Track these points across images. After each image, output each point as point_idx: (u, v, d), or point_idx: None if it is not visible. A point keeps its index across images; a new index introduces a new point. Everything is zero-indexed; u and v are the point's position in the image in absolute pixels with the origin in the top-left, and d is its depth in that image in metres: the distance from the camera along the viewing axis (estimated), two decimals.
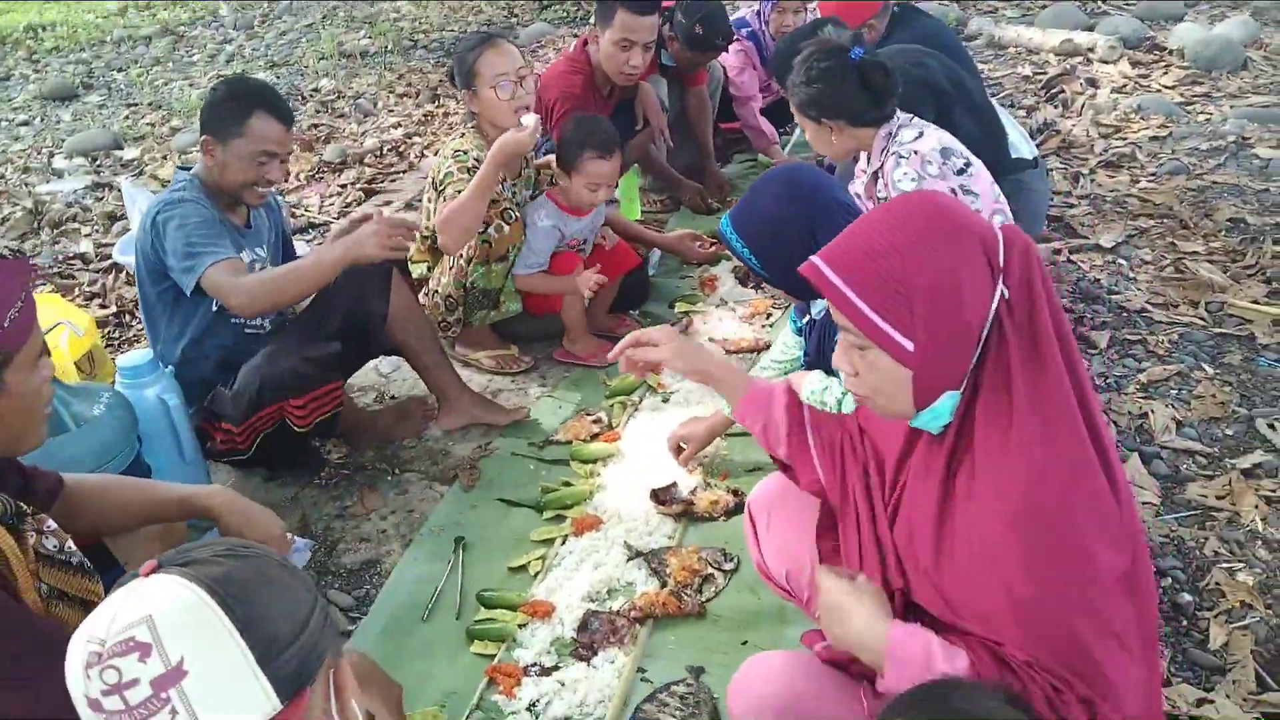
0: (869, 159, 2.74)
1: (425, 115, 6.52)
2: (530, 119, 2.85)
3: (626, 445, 2.84)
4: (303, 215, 4.80)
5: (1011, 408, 1.25)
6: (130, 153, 6.55)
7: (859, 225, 1.35)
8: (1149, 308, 3.33)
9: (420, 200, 3.56)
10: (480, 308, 3.18)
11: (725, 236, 2.25)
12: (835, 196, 2.13)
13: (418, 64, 8.20)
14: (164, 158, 6.21)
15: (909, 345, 1.25)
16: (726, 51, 4.34)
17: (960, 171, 2.59)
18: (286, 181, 2.65)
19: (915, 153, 2.57)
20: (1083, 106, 5.16)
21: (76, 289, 4.08)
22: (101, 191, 5.60)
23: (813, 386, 2.12)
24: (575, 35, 8.32)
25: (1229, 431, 2.74)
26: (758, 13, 4.77)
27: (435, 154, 5.14)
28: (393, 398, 3.23)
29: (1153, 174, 4.33)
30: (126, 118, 7.72)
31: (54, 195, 5.56)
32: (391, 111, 6.87)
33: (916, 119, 2.73)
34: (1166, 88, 5.34)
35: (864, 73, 2.57)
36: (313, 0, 11.48)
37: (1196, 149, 4.53)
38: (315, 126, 6.68)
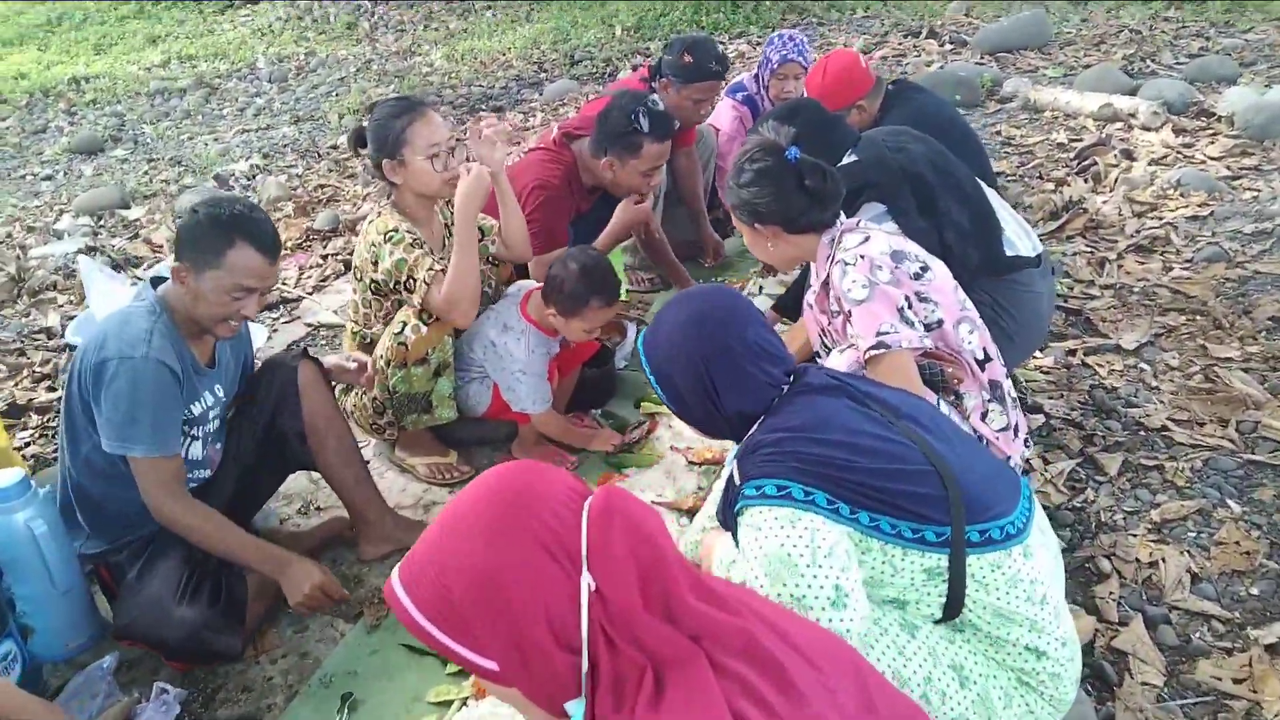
0: (815, 269, 2.42)
1: None
2: (475, 166, 2.69)
3: None
4: (277, 289, 4.60)
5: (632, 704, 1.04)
6: (135, 212, 6.46)
7: (437, 522, 1.16)
8: (1170, 425, 2.92)
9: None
10: (409, 411, 2.90)
11: (639, 354, 1.95)
12: (743, 334, 1.81)
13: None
14: (163, 221, 6.10)
15: (492, 665, 1.09)
16: (723, 80, 4.01)
17: (916, 276, 2.26)
18: (259, 313, 2.36)
19: (862, 257, 2.24)
20: (1116, 180, 4.76)
21: (26, 369, 3.90)
22: (94, 255, 5.48)
23: (723, 557, 1.79)
24: (598, 93, 8.14)
25: (1254, 591, 2.33)
26: (756, 77, 4.49)
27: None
28: (319, 509, 2.95)
29: (1188, 260, 3.92)
30: (145, 173, 7.69)
31: (44, 259, 5.45)
32: None
33: (864, 222, 2.42)
34: (1212, 159, 4.92)
35: (803, 174, 2.27)
36: (348, 53, 11.53)
37: (1239, 232, 4.10)
38: (321, 188, 6.53)
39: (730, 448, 2.07)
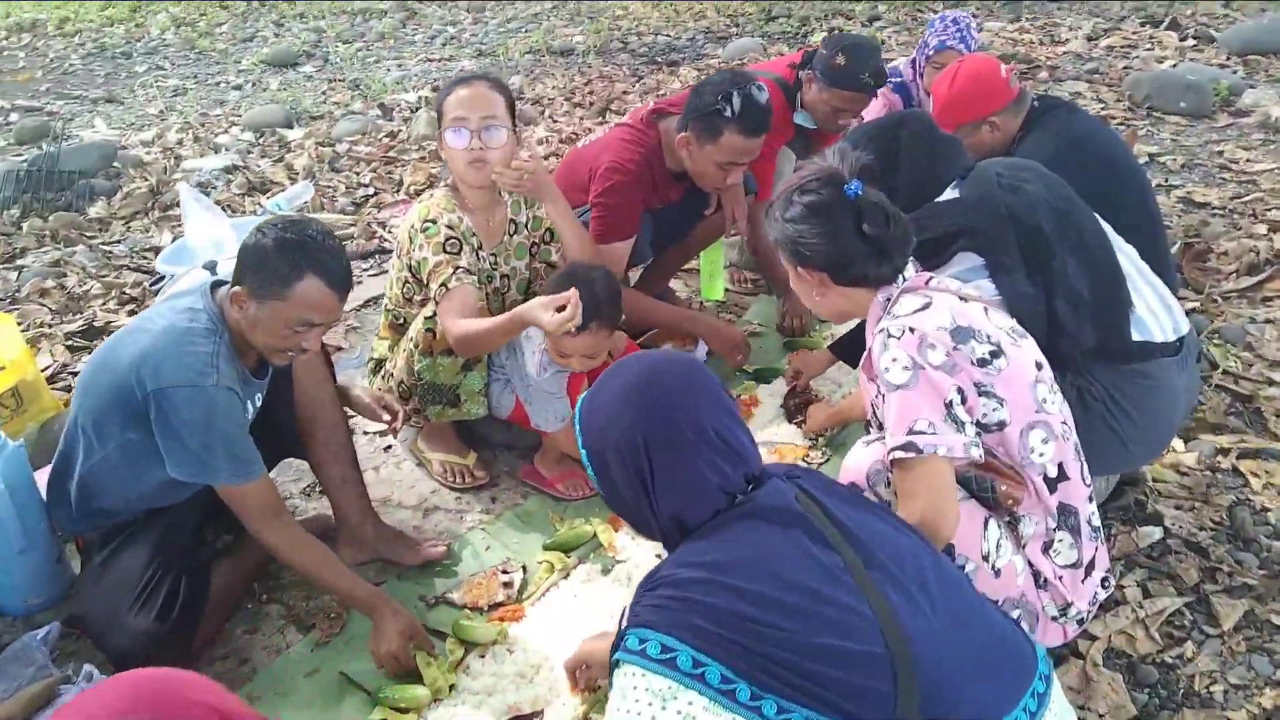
0: (868, 329, 1.98)
1: (573, 134, 6.04)
2: (570, 307, 2.22)
3: (522, 632, 2.23)
4: (383, 238, 4.48)
5: None
6: (295, 133, 6.54)
7: None
8: None
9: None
10: (434, 402, 2.66)
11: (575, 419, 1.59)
12: (697, 416, 1.42)
13: (611, 70, 7.77)
14: (318, 144, 6.12)
15: None
16: (875, 95, 3.53)
17: (982, 362, 1.79)
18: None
19: (911, 330, 1.80)
20: None
21: (116, 290, 3.94)
22: (236, 174, 5.56)
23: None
24: (791, 50, 7.62)
25: None
26: (912, 62, 3.94)
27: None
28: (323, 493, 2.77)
29: None
30: (322, 93, 7.81)
31: (190, 174, 5.57)
32: (555, 121, 6.46)
33: (944, 278, 1.95)
34: None
35: (862, 214, 1.83)
36: None
37: None
38: None
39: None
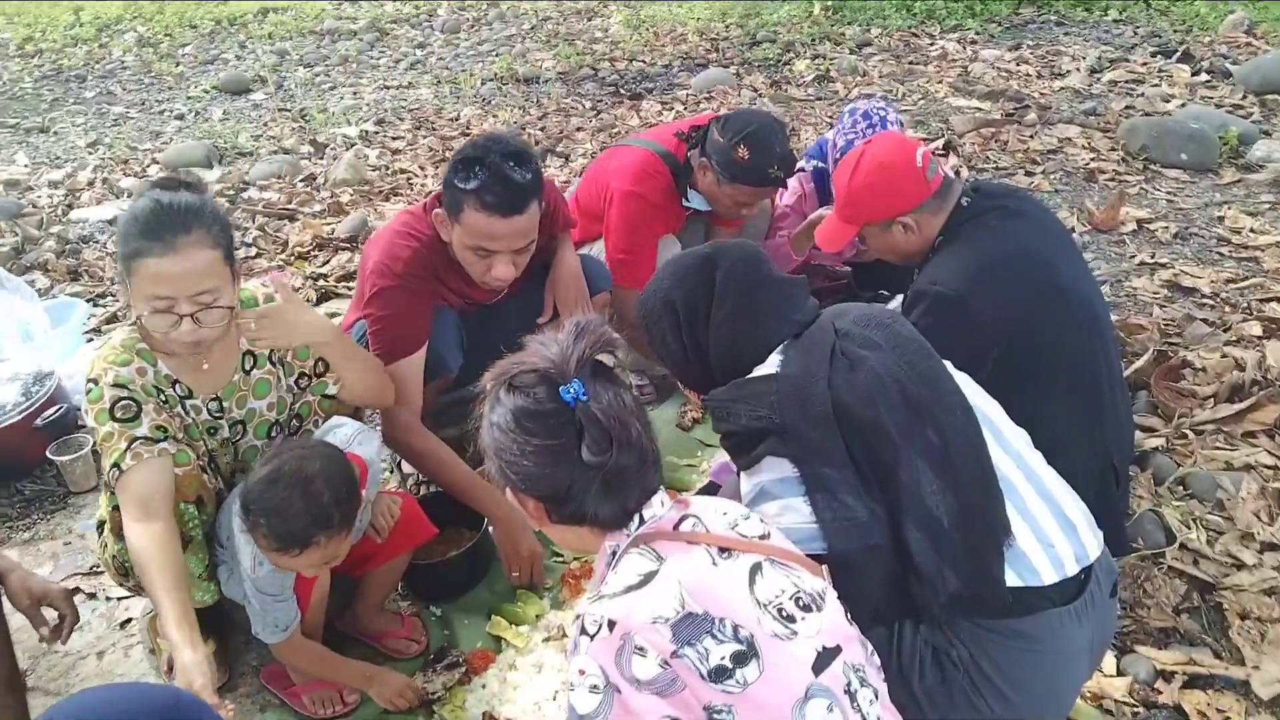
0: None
1: None
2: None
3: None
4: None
5: None
6: (211, 174, 6.03)
7: None
8: None
9: None
10: None
11: None
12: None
13: (572, 102, 7.20)
14: (221, 191, 5.59)
15: None
16: (785, 186, 2.94)
17: (719, 674, 1.19)
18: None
19: (611, 625, 1.20)
20: None
21: None
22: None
23: None
24: (766, 86, 7.02)
25: None
26: (833, 143, 3.32)
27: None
28: None
29: None
30: (265, 124, 7.31)
31: (76, 224, 5.06)
32: None
33: (696, 521, 1.37)
34: None
35: (583, 430, 1.26)
36: (532, 7, 10.83)
37: None
38: (401, 172, 5.84)
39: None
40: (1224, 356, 3.10)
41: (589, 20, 10.10)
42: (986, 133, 5.48)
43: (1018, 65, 7.07)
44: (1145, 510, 2.50)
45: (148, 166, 6.33)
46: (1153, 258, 4.01)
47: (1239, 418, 2.85)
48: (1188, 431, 2.81)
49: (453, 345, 2.55)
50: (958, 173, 5.00)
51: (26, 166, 6.48)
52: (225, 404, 2.11)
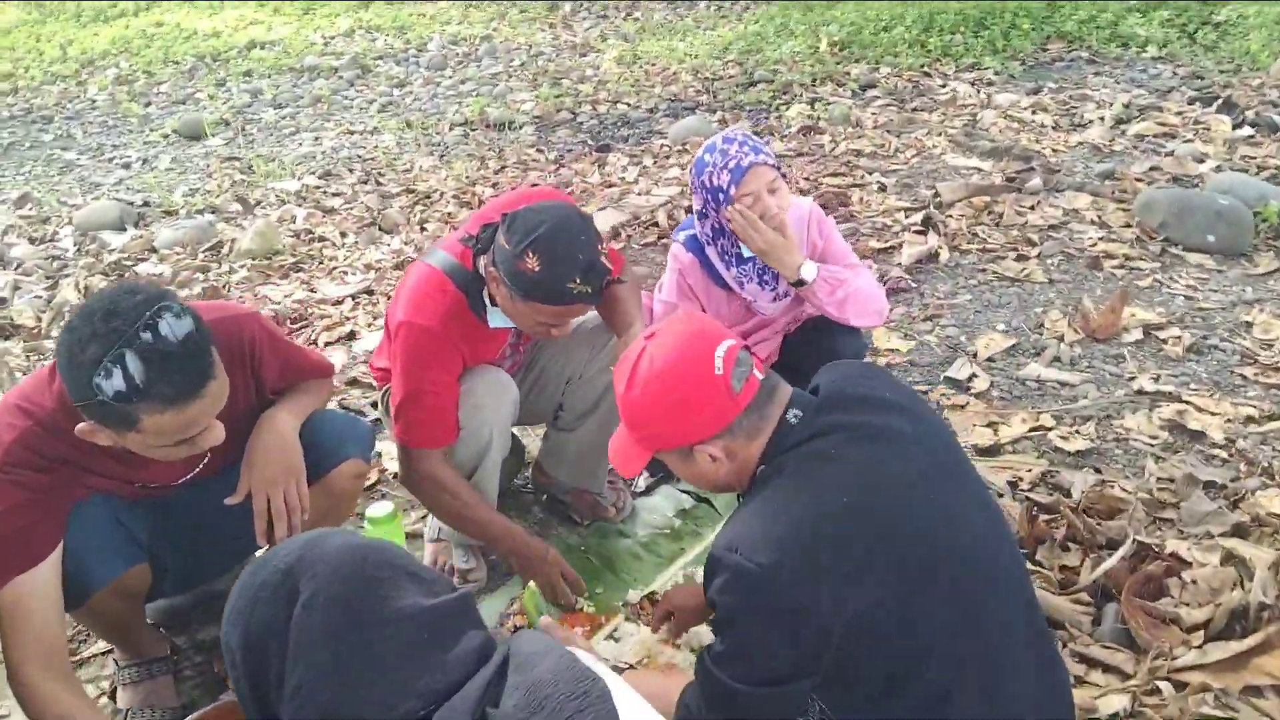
0: None
1: (416, 248, 4.82)
2: None
3: None
4: None
5: None
6: (120, 239, 5.48)
7: None
8: None
9: None
10: None
11: None
12: None
13: (535, 152, 6.55)
14: (109, 265, 5.03)
15: None
16: (598, 300, 2.18)
17: None
18: None
19: None
20: None
21: None
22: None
23: None
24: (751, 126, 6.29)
25: None
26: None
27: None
28: None
29: None
30: (207, 176, 6.78)
31: None
32: (420, 230, 5.25)
33: None
34: None
35: None
36: (527, 40, 10.25)
37: None
38: (313, 241, 5.23)
39: None
40: (1225, 560, 2.30)
41: (582, 56, 9.47)
42: (979, 202, 4.70)
43: (1033, 114, 6.26)
44: None
45: (62, 226, 5.80)
46: (1156, 382, 3.21)
47: (1238, 663, 2.06)
48: (1163, 683, 2.03)
49: (108, 548, 1.89)
50: (935, 255, 4.24)
51: None
52: None
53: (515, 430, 2.75)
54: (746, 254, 2.51)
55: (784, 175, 2.47)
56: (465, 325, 2.22)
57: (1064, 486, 2.71)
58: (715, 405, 1.51)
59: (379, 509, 2.34)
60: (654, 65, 8.71)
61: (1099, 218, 4.52)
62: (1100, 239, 4.31)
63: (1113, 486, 2.64)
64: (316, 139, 7.58)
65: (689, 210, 4.97)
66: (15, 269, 5.08)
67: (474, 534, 2.40)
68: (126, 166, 7.28)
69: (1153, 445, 2.90)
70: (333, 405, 3.14)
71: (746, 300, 2.62)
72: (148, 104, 9.02)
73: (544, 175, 6.04)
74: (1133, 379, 3.25)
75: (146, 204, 6.22)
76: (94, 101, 9.23)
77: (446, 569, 2.56)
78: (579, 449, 2.65)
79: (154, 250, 5.22)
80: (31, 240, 5.60)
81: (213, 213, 5.89)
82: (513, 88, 8.48)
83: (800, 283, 2.46)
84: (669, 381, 1.52)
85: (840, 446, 1.49)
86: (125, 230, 5.65)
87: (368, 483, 2.85)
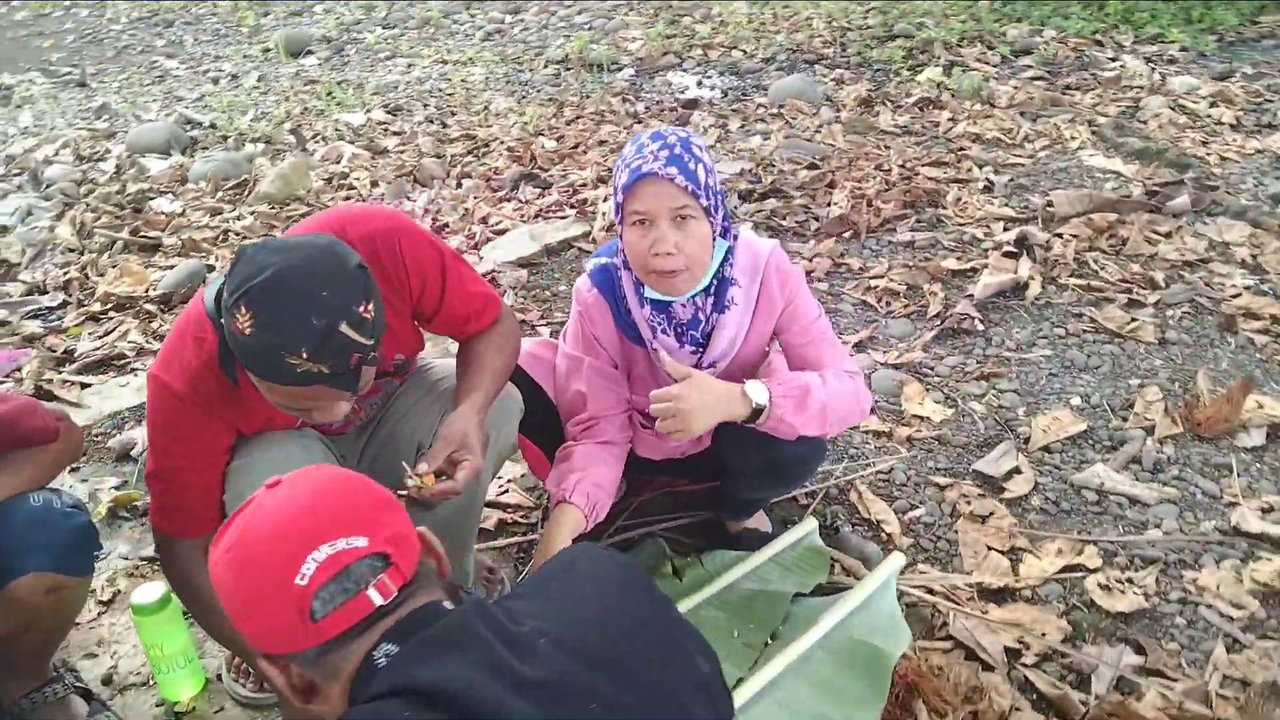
0: None
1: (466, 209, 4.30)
2: None
3: None
4: None
5: None
6: (160, 165, 5.20)
7: None
8: None
9: None
10: None
11: None
12: None
13: (613, 105, 5.89)
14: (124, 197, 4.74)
15: None
16: (355, 386, 1.55)
17: None
18: None
19: None
20: None
21: None
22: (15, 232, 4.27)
23: None
24: (854, 104, 5.49)
25: None
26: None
27: None
28: None
29: None
30: (283, 99, 6.47)
31: None
32: (461, 183, 4.74)
33: None
34: None
35: None
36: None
37: None
38: (339, 187, 4.79)
39: None
40: None
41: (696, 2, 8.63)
42: (1100, 221, 3.77)
43: (1211, 105, 5.12)
44: None
45: (110, 148, 5.60)
46: (1265, 517, 2.36)
47: None
48: None
49: None
50: (1023, 287, 3.38)
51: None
52: None
53: None
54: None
55: (716, 210, 1.78)
56: (224, 386, 1.67)
57: (1081, 670, 1.96)
58: (282, 621, 0.96)
59: (147, 594, 1.89)
60: (786, 7, 7.81)
61: (1253, 258, 3.54)
62: (1246, 289, 3.34)
63: (1144, 693, 1.87)
64: (409, 66, 7.15)
65: (747, 196, 4.24)
66: (44, 189, 4.87)
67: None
68: (216, 81, 7.07)
69: (1232, 621, 2.09)
70: None
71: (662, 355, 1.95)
72: (265, 14, 8.81)
73: (614, 131, 5.38)
74: (1233, 506, 2.41)
75: (213, 126, 5.95)
76: (215, 6, 9.10)
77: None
78: (439, 532, 2.08)
79: (184, 182, 4.92)
80: (80, 158, 5.40)
81: (266, 143, 5.55)
82: (628, 23, 7.79)
83: (758, 412, 1.80)
84: (237, 569, 1.00)
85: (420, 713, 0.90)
86: (169, 156, 5.39)
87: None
